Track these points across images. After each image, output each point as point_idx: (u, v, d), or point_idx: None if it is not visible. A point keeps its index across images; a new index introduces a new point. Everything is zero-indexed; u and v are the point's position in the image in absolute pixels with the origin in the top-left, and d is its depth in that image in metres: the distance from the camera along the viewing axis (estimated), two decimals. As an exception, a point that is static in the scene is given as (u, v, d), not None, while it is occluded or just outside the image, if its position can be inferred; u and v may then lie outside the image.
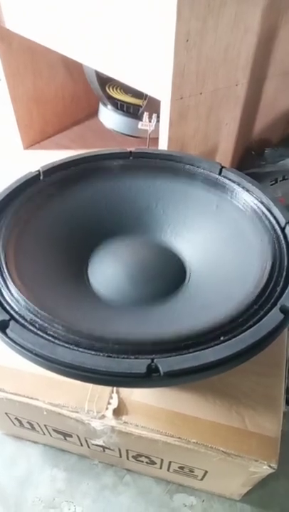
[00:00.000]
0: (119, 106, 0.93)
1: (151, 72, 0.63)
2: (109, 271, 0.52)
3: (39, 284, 0.45)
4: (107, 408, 0.50)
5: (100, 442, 0.54)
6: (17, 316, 0.40)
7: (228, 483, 0.59)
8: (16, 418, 0.60)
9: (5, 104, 0.95)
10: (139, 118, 0.85)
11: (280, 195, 0.92)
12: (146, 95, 0.83)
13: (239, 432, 0.48)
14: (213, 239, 0.54)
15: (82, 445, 0.61)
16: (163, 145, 0.70)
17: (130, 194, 0.57)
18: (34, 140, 1.06)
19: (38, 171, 0.54)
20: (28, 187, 0.53)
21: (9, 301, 0.41)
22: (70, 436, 0.59)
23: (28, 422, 0.60)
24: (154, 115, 0.76)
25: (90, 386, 0.51)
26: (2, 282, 0.42)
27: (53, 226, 0.53)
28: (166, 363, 0.36)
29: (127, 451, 0.58)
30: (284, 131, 1.03)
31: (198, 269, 0.53)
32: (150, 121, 0.77)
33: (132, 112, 0.92)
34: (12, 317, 0.39)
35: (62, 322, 0.39)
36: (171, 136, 0.69)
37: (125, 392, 0.51)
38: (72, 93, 1.07)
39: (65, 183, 0.55)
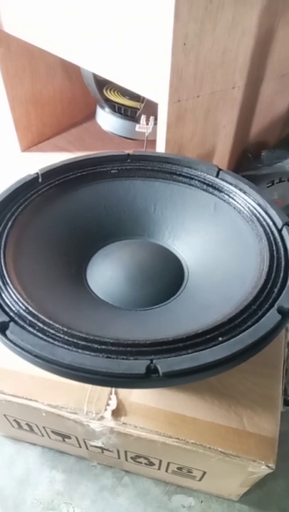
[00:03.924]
0: (116, 108, 0.93)
1: (149, 75, 0.63)
2: (108, 272, 0.52)
3: (38, 285, 0.46)
4: (105, 409, 0.50)
5: (99, 443, 0.54)
6: (17, 318, 0.40)
7: (226, 483, 0.60)
8: (14, 420, 0.60)
9: (3, 106, 0.95)
10: (137, 120, 0.85)
11: (277, 197, 0.93)
12: (144, 98, 0.83)
13: (237, 432, 0.48)
14: (211, 240, 0.54)
15: (80, 446, 0.62)
16: (160, 147, 0.71)
17: (129, 196, 0.57)
18: (32, 142, 1.06)
19: (37, 173, 0.55)
20: (27, 189, 0.53)
21: (9, 303, 0.41)
22: (69, 437, 0.59)
23: (26, 424, 0.60)
24: (152, 118, 0.77)
25: (88, 387, 0.51)
26: (1, 284, 0.42)
27: (51, 228, 0.53)
28: (165, 364, 0.36)
29: (125, 452, 0.58)
30: (280, 134, 1.03)
31: (197, 270, 0.53)
32: (147, 124, 0.78)
33: (129, 114, 0.92)
34: (12, 319, 0.40)
35: (61, 323, 0.39)
36: (168, 138, 0.69)
37: (124, 393, 0.51)
38: (70, 95, 1.07)
39: (63, 185, 0.55)
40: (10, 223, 0.49)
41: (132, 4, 0.59)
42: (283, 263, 0.45)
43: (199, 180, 0.56)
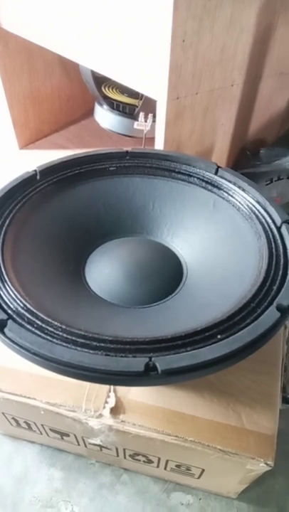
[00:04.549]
0: (115, 106, 0.93)
1: (147, 72, 0.63)
2: (106, 270, 0.52)
3: (37, 283, 0.45)
4: (104, 407, 0.50)
5: (97, 441, 0.54)
6: (15, 316, 0.40)
7: (225, 481, 0.60)
8: (12, 418, 0.60)
9: (1, 104, 0.95)
10: (135, 118, 0.85)
11: (276, 195, 0.93)
12: (142, 95, 0.83)
13: (236, 429, 0.48)
14: (210, 238, 0.54)
15: (79, 444, 0.62)
16: (159, 145, 0.71)
17: (127, 194, 0.57)
18: (30, 139, 1.05)
19: (35, 170, 0.54)
20: (25, 187, 0.53)
21: (7, 300, 0.41)
22: (67, 435, 0.59)
23: (25, 422, 0.60)
24: (150, 115, 0.76)
25: (87, 385, 0.51)
26: (0, 282, 0.42)
27: (50, 226, 0.53)
28: (164, 362, 0.36)
29: (124, 450, 0.58)
30: (279, 131, 1.03)
31: (196, 268, 0.53)
32: (146, 121, 0.77)
33: (127, 111, 0.92)
34: (10, 316, 0.39)
35: (60, 321, 0.39)
36: (167, 136, 0.69)
37: (122, 390, 0.51)
38: (69, 92, 1.07)
39: (62, 182, 0.55)
40: (8, 221, 0.49)
41: (131, 2, 0.59)
42: (282, 261, 0.45)
43: (198, 178, 0.56)
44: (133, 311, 0.48)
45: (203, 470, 0.57)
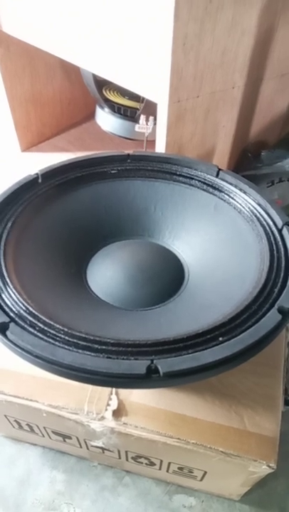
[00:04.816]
0: (116, 109, 0.93)
1: (149, 75, 0.63)
2: (108, 273, 0.52)
3: (38, 286, 0.46)
4: (106, 409, 0.50)
5: (100, 444, 0.54)
6: (17, 318, 0.40)
7: (227, 483, 0.60)
8: (15, 420, 0.60)
9: (3, 106, 0.95)
10: (136, 121, 0.85)
11: (277, 197, 0.93)
12: (143, 98, 0.83)
13: (238, 432, 0.48)
14: (211, 240, 0.54)
15: (81, 447, 0.62)
16: (160, 147, 0.71)
17: (129, 196, 0.57)
18: (32, 142, 1.06)
19: (37, 173, 0.55)
20: (27, 190, 0.53)
21: (9, 303, 0.41)
22: (70, 438, 0.59)
23: (27, 424, 0.60)
24: (151, 118, 0.77)
25: (89, 387, 0.51)
26: (2, 285, 0.42)
27: (51, 229, 0.53)
28: (165, 364, 0.36)
29: (126, 452, 0.58)
30: (280, 133, 1.03)
31: (197, 270, 0.53)
32: (147, 124, 0.78)
33: (129, 114, 0.92)
34: (12, 319, 0.40)
35: (62, 324, 0.39)
36: (168, 138, 0.69)
37: (124, 393, 0.51)
38: (70, 95, 1.07)
39: (63, 185, 0.56)
40: (10, 224, 0.49)
41: (132, 4, 0.59)
42: (283, 263, 0.45)
43: (199, 181, 0.57)
44: (135, 313, 0.48)
45: (205, 472, 0.57)
